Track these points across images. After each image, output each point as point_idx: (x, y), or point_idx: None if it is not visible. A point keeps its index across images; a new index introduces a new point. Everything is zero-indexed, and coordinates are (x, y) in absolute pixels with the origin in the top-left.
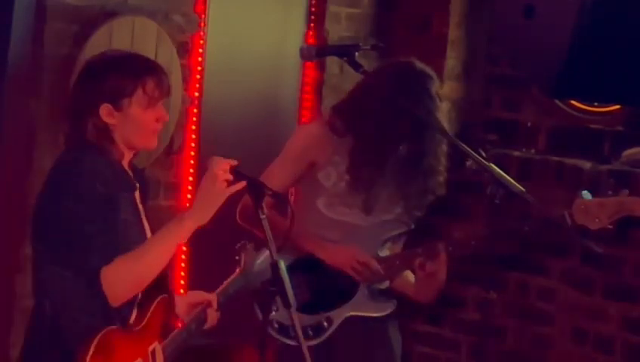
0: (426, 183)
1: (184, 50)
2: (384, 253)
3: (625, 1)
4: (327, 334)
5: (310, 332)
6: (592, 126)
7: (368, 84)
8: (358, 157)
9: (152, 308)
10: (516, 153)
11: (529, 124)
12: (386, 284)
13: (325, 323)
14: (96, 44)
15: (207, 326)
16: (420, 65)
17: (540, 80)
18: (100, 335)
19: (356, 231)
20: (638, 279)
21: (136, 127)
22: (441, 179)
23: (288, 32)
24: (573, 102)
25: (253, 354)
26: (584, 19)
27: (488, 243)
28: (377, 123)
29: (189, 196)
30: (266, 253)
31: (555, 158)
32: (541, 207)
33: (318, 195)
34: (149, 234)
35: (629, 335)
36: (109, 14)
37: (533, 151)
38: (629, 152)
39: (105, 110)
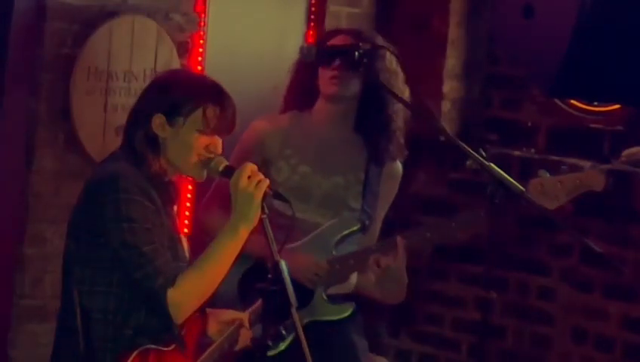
0: (380, 141)
1: (184, 49)
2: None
3: (625, 1)
4: (286, 342)
5: (269, 342)
6: (592, 126)
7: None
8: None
9: (185, 326)
10: (516, 153)
11: (529, 124)
12: (349, 289)
13: (284, 332)
14: (96, 44)
15: (239, 346)
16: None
17: (540, 80)
18: (135, 353)
19: (314, 230)
20: (638, 279)
21: (183, 148)
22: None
23: (288, 32)
24: (573, 101)
25: None
26: (584, 19)
27: (450, 235)
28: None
29: (188, 196)
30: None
31: (555, 158)
32: (541, 207)
33: None
34: (185, 245)
35: (629, 335)
36: (109, 14)
37: (533, 151)
38: (628, 152)
39: (157, 120)
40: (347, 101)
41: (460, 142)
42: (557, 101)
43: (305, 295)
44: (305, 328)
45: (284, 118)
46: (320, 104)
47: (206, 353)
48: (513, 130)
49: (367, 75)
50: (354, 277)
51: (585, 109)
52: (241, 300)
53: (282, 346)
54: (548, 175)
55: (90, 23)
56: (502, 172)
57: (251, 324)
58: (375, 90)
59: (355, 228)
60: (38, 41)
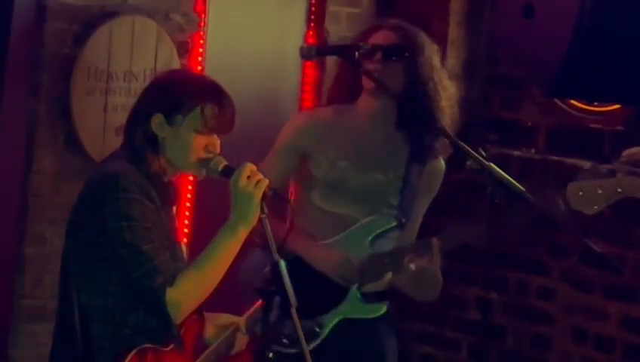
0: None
1: (184, 49)
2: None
3: (625, 1)
4: (319, 339)
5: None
6: (592, 126)
7: None
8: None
9: (184, 328)
10: (516, 153)
11: (529, 124)
12: (382, 286)
13: (317, 329)
14: (97, 44)
15: (234, 350)
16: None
17: (540, 80)
18: (133, 352)
19: (351, 226)
20: (638, 279)
21: (182, 147)
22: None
23: (288, 32)
24: (573, 102)
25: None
26: (584, 19)
27: (480, 236)
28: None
29: (188, 196)
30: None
31: (555, 158)
32: (541, 206)
33: (312, 188)
34: (183, 246)
35: (629, 335)
36: (109, 14)
37: (533, 151)
38: (629, 152)
39: (156, 120)
40: (389, 96)
41: (460, 142)
42: (557, 101)
43: (338, 292)
44: (337, 325)
45: (325, 112)
46: (362, 99)
47: (203, 356)
48: (513, 130)
49: (408, 69)
50: (388, 274)
51: (585, 109)
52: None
53: (315, 342)
54: (588, 177)
55: (90, 23)
56: (502, 172)
57: (247, 328)
58: (418, 85)
59: (391, 225)
60: (38, 41)
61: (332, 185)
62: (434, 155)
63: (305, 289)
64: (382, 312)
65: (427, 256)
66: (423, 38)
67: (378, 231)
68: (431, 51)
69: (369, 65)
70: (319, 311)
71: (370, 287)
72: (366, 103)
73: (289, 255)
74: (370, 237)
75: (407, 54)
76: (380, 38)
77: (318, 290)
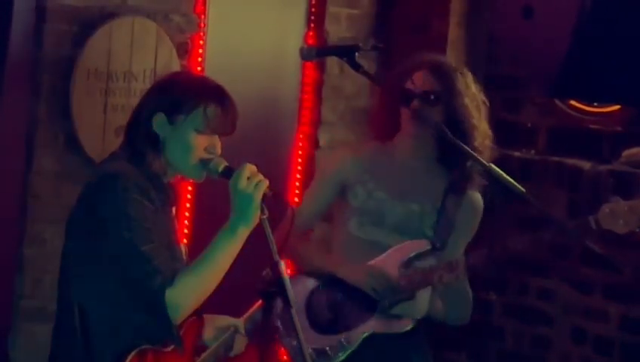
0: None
1: (184, 50)
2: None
3: (625, 2)
4: (346, 353)
5: (329, 352)
6: (592, 126)
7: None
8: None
9: (183, 329)
10: (516, 154)
11: (529, 125)
12: (419, 314)
13: (345, 343)
14: (96, 45)
15: (234, 352)
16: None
17: (540, 80)
18: (133, 353)
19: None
20: (638, 279)
21: (182, 147)
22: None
23: (288, 33)
24: (573, 102)
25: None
26: (584, 19)
27: (507, 253)
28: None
29: (188, 196)
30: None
31: (555, 158)
32: (541, 206)
33: (349, 217)
34: (183, 247)
35: (628, 336)
36: (109, 15)
37: (533, 151)
38: (628, 153)
39: (158, 119)
40: (428, 135)
41: (460, 143)
42: (557, 102)
43: (367, 308)
44: (365, 340)
45: (365, 147)
46: (401, 135)
47: (202, 357)
48: (513, 130)
49: (444, 112)
50: (425, 303)
51: (584, 110)
52: (309, 317)
53: (342, 356)
54: (620, 200)
55: (90, 23)
56: (502, 173)
57: (247, 331)
58: (456, 122)
59: (425, 249)
60: (38, 42)
61: (368, 215)
62: (470, 187)
63: (335, 305)
64: (408, 328)
65: (456, 272)
66: (463, 80)
67: (412, 255)
68: (468, 93)
69: (405, 110)
70: (348, 325)
71: (403, 310)
72: (405, 140)
73: (322, 278)
74: (402, 260)
75: (443, 99)
76: (419, 80)
77: (348, 305)
